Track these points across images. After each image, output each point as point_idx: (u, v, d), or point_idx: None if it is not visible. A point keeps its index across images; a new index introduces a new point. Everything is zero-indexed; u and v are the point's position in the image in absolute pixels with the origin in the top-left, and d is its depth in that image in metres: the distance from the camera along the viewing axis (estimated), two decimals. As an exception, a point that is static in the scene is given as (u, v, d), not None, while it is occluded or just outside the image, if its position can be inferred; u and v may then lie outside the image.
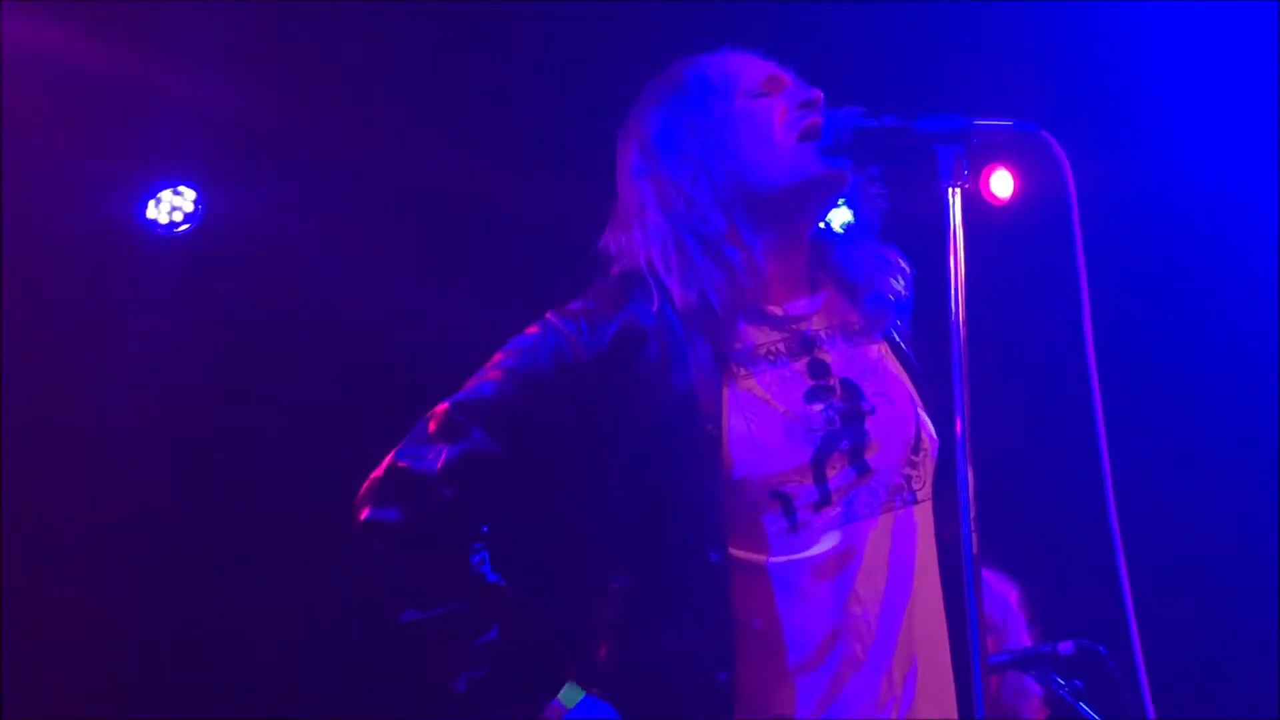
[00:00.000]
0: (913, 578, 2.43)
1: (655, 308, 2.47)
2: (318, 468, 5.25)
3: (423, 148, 5.34)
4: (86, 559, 5.15)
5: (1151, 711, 2.28)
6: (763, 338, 2.49)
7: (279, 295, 5.32)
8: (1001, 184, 5.80)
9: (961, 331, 2.23)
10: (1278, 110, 5.56)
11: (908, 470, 2.47)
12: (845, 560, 2.40)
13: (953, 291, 2.24)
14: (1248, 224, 5.79)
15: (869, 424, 2.46)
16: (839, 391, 2.48)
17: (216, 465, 5.32)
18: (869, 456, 2.44)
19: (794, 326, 2.52)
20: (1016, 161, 5.75)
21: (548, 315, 2.50)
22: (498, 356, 2.50)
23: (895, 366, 2.59)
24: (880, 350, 2.59)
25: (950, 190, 2.28)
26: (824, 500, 2.40)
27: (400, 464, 2.45)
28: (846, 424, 2.44)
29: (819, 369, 2.50)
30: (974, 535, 2.17)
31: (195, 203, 5.26)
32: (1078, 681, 3.91)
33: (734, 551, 2.37)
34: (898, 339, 2.63)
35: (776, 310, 2.53)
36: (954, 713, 2.45)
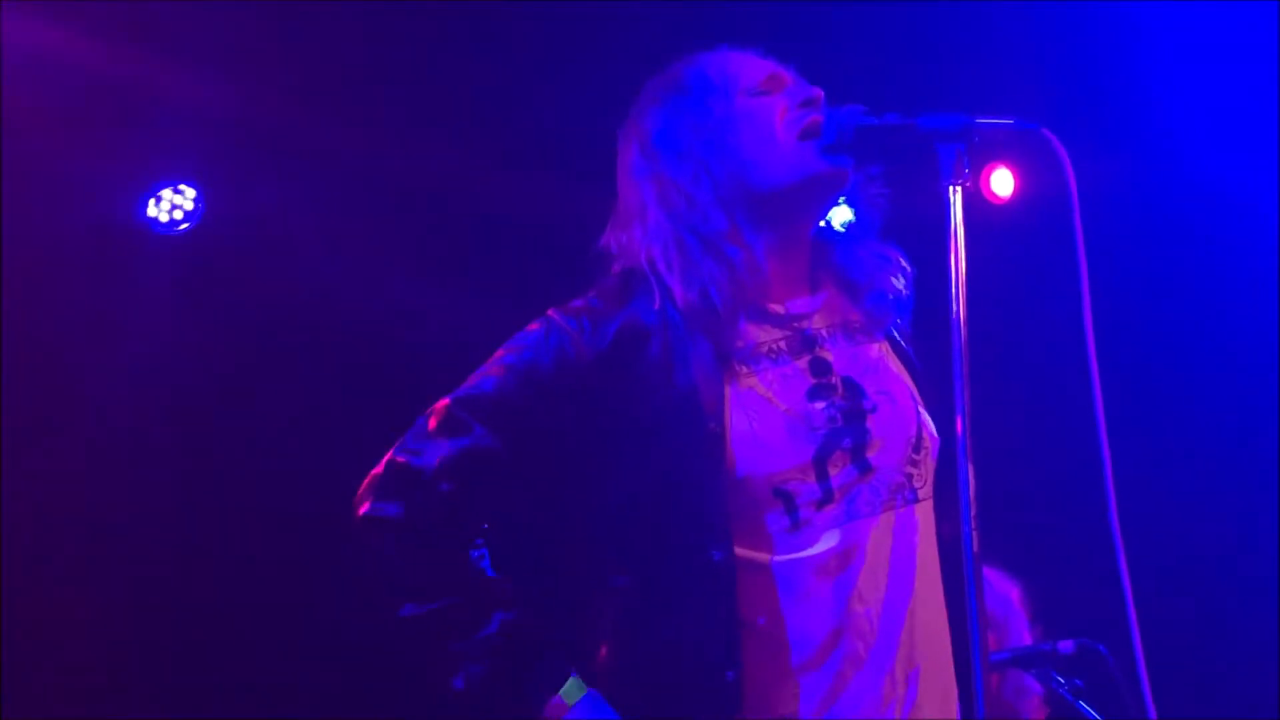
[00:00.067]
0: (914, 576, 2.43)
1: (657, 306, 2.47)
2: (317, 467, 5.25)
3: (423, 147, 5.35)
4: (86, 559, 5.15)
5: (1152, 710, 2.27)
6: (764, 336, 2.49)
7: (279, 294, 5.32)
8: (1002, 182, 5.80)
9: (962, 330, 2.23)
10: (1278, 110, 5.56)
11: (909, 469, 2.47)
12: (847, 559, 2.39)
13: (953, 290, 2.24)
14: (1248, 223, 5.79)
15: (870, 422, 2.46)
16: (840, 390, 2.48)
17: (216, 465, 5.32)
18: (871, 455, 2.44)
19: (795, 325, 2.52)
20: (1017, 160, 5.75)
21: (550, 312, 2.50)
22: (499, 353, 2.50)
23: (896, 365, 2.59)
24: (881, 349, 2.59)
25: (951, 188, 2.28)
26: (826, 498, 2.40)
27: (399, 459, 2.45)
28: (848, 422, 2.44)
29: (820, 367, 2.50)
30: (975, 534, 2.17)
31: (195, 202, 5.26)
32: (1078, 680, 3.91)
33: (737, 550, 2.37)
34: (898, 338, 2.63)
35: (778, 308, 2.53)
36: (956, 711, 2.45)
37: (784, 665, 2.37)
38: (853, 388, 2.49)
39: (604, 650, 2.48)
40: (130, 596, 5.18)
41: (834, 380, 2.49)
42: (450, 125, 5.37)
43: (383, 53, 5.27)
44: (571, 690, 2.37)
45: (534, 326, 2.49)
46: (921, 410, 2.53)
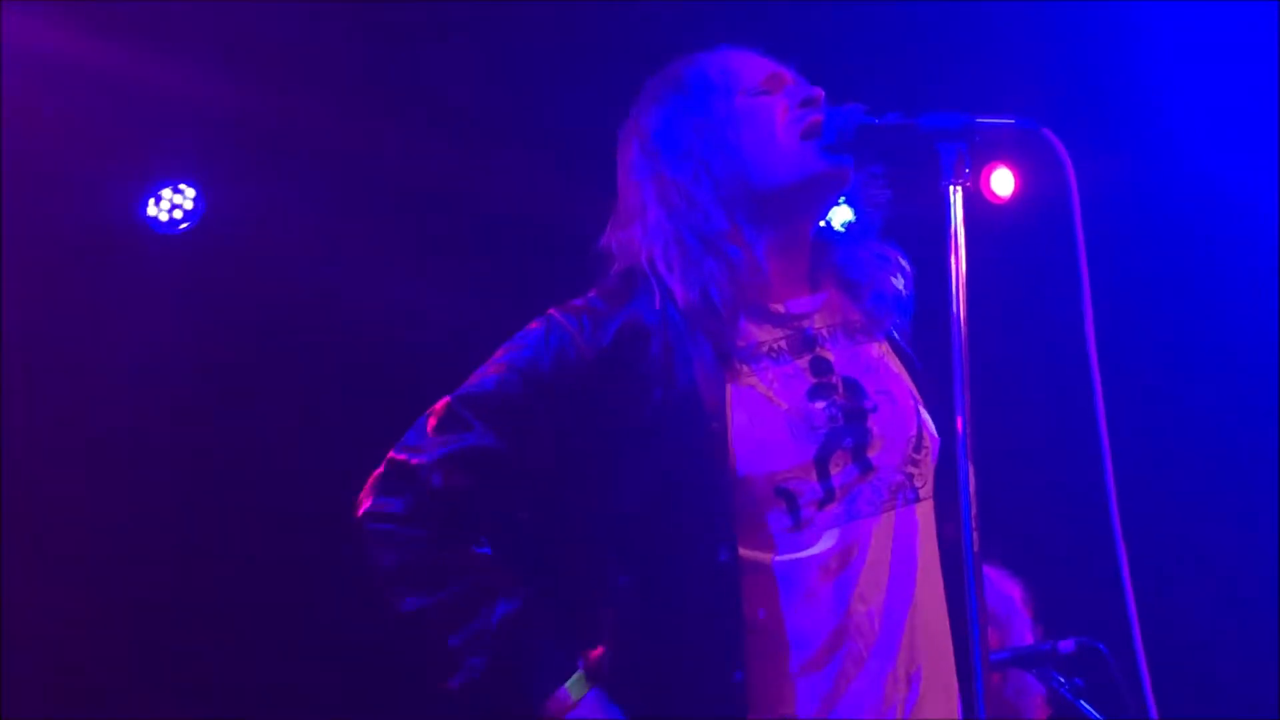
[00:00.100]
0: (915, 576, 2.43)
1: (657, 306, 2.46)
2: (317, 466, 5.25)
3: (423, 147, 5.35)
4: (86, 559, 5.15)
5: (1153, 710, 2.27)
6: (764, 335, 2.49)
7: (279, 294, 5.32)
8: (1003, 182, 5.80)
9: (963, 329, 2.23)
10: (1278, 110, 5.56)
11: (909, 468, 2.47)
12: (849, 558, 2.39)
13: (954, 289, 2.24)
14: (1248, 223, 5.79)
15: (871, 422, 2.46)
16: (841, 389, 2.48)
17: (216, 464, 5.32)
18: (871, 454, 2.44)
19: (796, 324, 2.52)
20: (1018, 160, 5.76)
21: (550, 311, 2.50)
22: (500, 352, 2.49)
23: (896, 365, 2.59)
24: (881, 349, 2.59)
25: (952, 188, 2.28)
26: (828, 498, 2.40)
27: (399, 457, 2.45)
28: (849, 421, 2.44)
29: (821, 366, 2.49)
30: (975, 533, 2.17)
31: (195, 201, 5.26)
32: (1078, 679, 3.91)
33: (740, 549, 2.36)
34: (898, 338, 2.63)
35: (778, 308, 2.52)
36: (958, 711, 2.45)
37: (786, 665, 2.36)
38: (853, 387, 2.49)
39: (607, 650, 2.47)
40: (130, 596, 5.18)
41: (834, 380, 2.49)
42: (450, 125, 5.38)
43: (383, 52, 5.27)
44: (577, 684, 2.36)
45: (535, 325, 2.49)
46: (921, 410, 2.53)
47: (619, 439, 2.43)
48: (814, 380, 2.47)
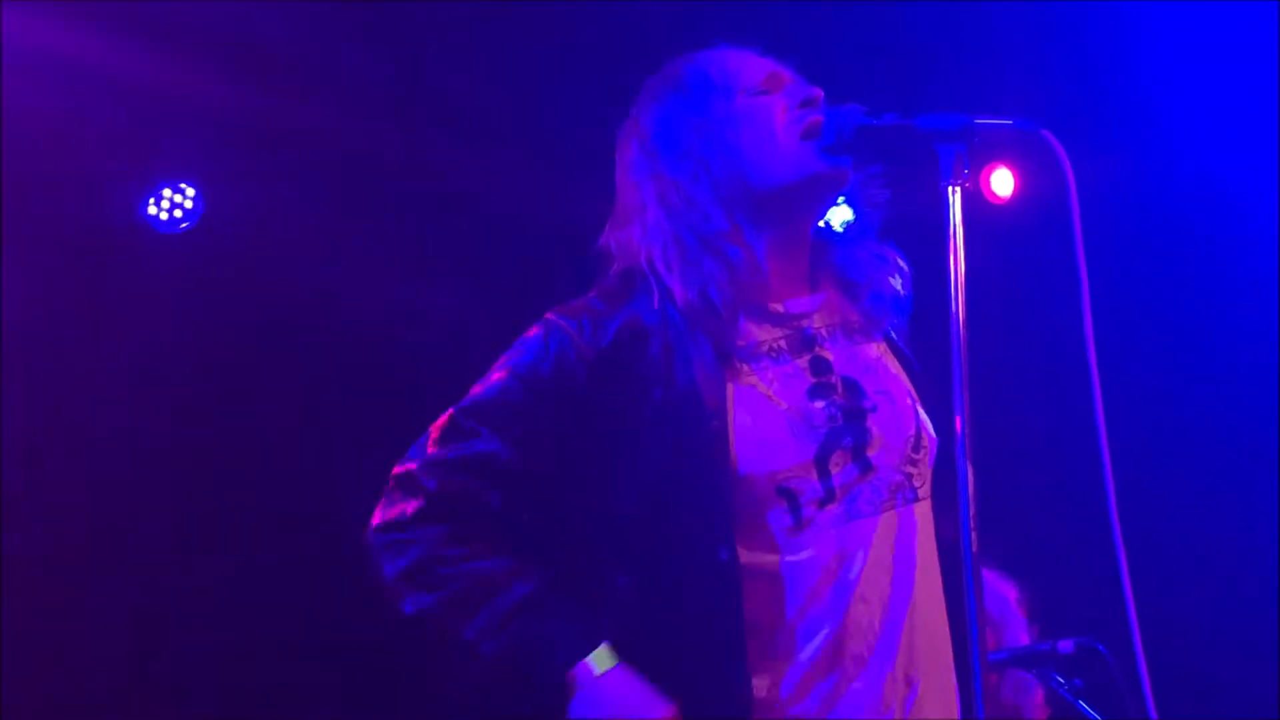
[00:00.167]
0: (914, 576, 2.43)
1: (656, 305, 2.47)
2: (317, 466, 5.26)
3: (423, 146, 5.35)
4: (86, 559, 5.15)
5: (1152, 710, 2.28)
6: (764, 335, 2.49)
7: (279, 293, 5.33)
8: (1002, 183, 5.80)
9: (962, 330, 2.23)
10: (1278, 110, 5.56)
11: (908, 468, 2.47)
12: (849, 558, 2.39)
13: (953, 290, 2.24)
14: (1248, 224, 5.79)
15: (870, 421, 2.46)
16: (840, 389, 2.48)
17: (216, 464, 5.32)
18: (871, 454, 2.44)
19: (795, 324, 2.52)
20: (1017, 160, 5.76)
21: (548, 315, 2.50)
22: (501, 360, 2.49)
23: (894, 365, 2.59)
24: (879, 349, 2.59)
25: (951, 189, 2.28)
26: (828, 497, 2.40)
27: (403, 468, 2.45)
28: (848, 421, 2.44)
29: (820, 366, 2.50)
30: (974, 534, 2.17)
31: (195, 201, 5.26)
32: (1077, 680, 3.90)
33: (740, 549, 2.36)
34: (896, 338, 2.64)
35: (777, 307, 2.52)
36: (957, 711, 2.45)
37: (786, 666, 2.36)
38: (852, 387, 2.49)
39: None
40: (130, 596, 5.18)
41: (834, 379, 2.49)
42: (450, 125, 5.38)
43: (383, 52, 5.27)
44: (602, 657, 2.34)
45: (533, 331, 2.49)
46: (920, 410, 2.53)
47: (619, 439, 2.43)
48: (813, 380, 2.47)
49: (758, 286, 2.51)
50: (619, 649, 2.41)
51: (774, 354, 2.48)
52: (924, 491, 2.49)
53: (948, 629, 2.48)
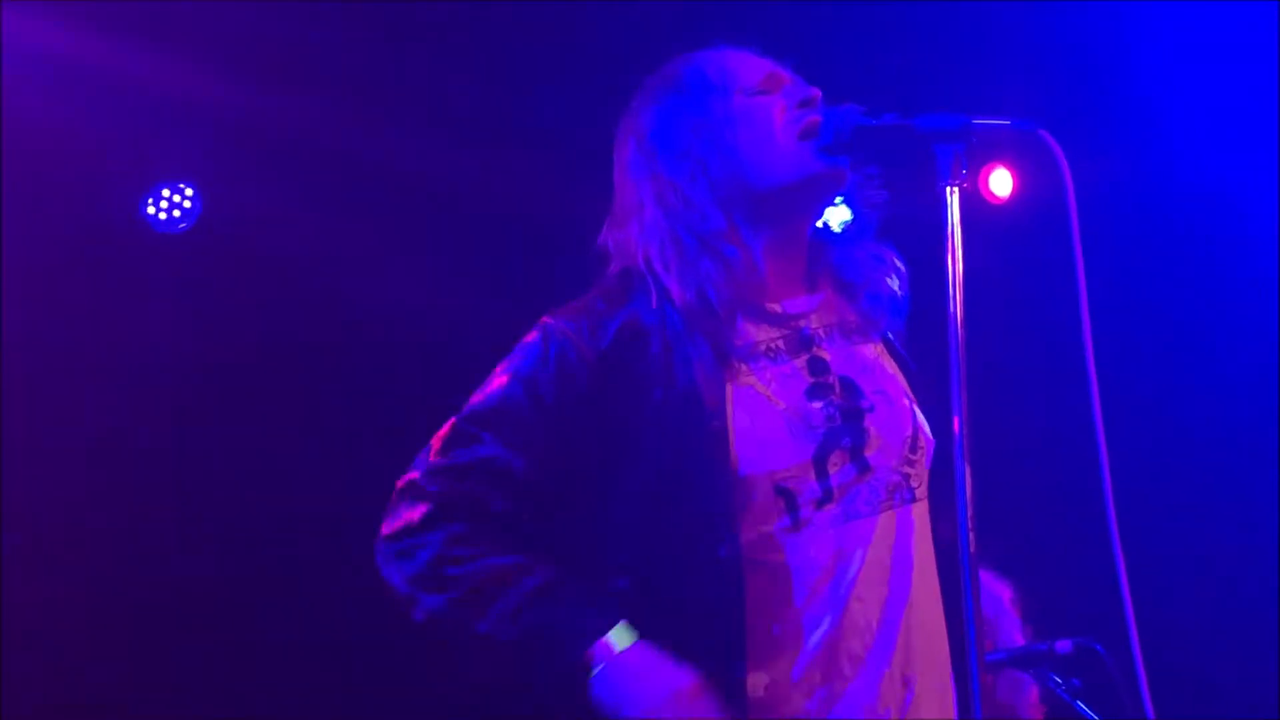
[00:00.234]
0: (911, 577, 2.43)
1: (654, 305, 2.47)
2: (317, 466, 5.26)
3: (423, 146, 5.35)
4: (86, 559, 5.15)
5: (1150, 710, 2.28)
6: (761, 335, 2.49)
7: (278, 293, 5.33)
8: (1001, 183, 5.81)
9: (960, 330, 2.23)
10: (1278, 110, 5.56)
11: (906, 469, 2.47)
12: (847, 558, 2.39)
13: (951, 290, 2.25)
14: (1247, 224, 5.79)
15: (868, 421, 2.46)
16: (838, 389, 2.48)
17: (216, 464, 5.32)
18: (869, 454, 2.44)
19: (792, 324, 2.53)
20: (1015, 160, 5.76)
21: (544, 320, 2.49)
22: (500, 367, 2.49)
23: (891, 366, 2.59)
24: (876, 350, 2.59)
25: (949, 189, 2.28)
26: (826, 497, 2.40)
27: (408, 477, 2.45)
28: (846, 421, 2.44)
29: (818, 366, 2.50)
30: (971, 534, 2.17)
31: (194, 201, 5.27)
32: (1075, 680, 3.91)
33: (739, 548, 2.36)
34: (892, 339, 2.64)
35: (775, 308, 2.53)
36: (953, 711, 2.45)
37: (785, 665, 2.36)
38: (850, 387, 2.49)
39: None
40: (130, 596, 5.18)
41: (831, 379, 2.49)
42: (450, 124, 5.38)
43: (383, 52, 5.27)
44: (621, 635, 2.32)
45: (532, 335, 2.48)
46: (917, 411, 2.54)
47: (620, 440, 2.43)
48: (811, 380, 2.47)
49: (755, 286, 2.51)
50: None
51: (772, 354, 2.48)
52: (921, 492, 2.49)
53: (944, 629, 2.48)
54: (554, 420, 2.43)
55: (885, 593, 2.40)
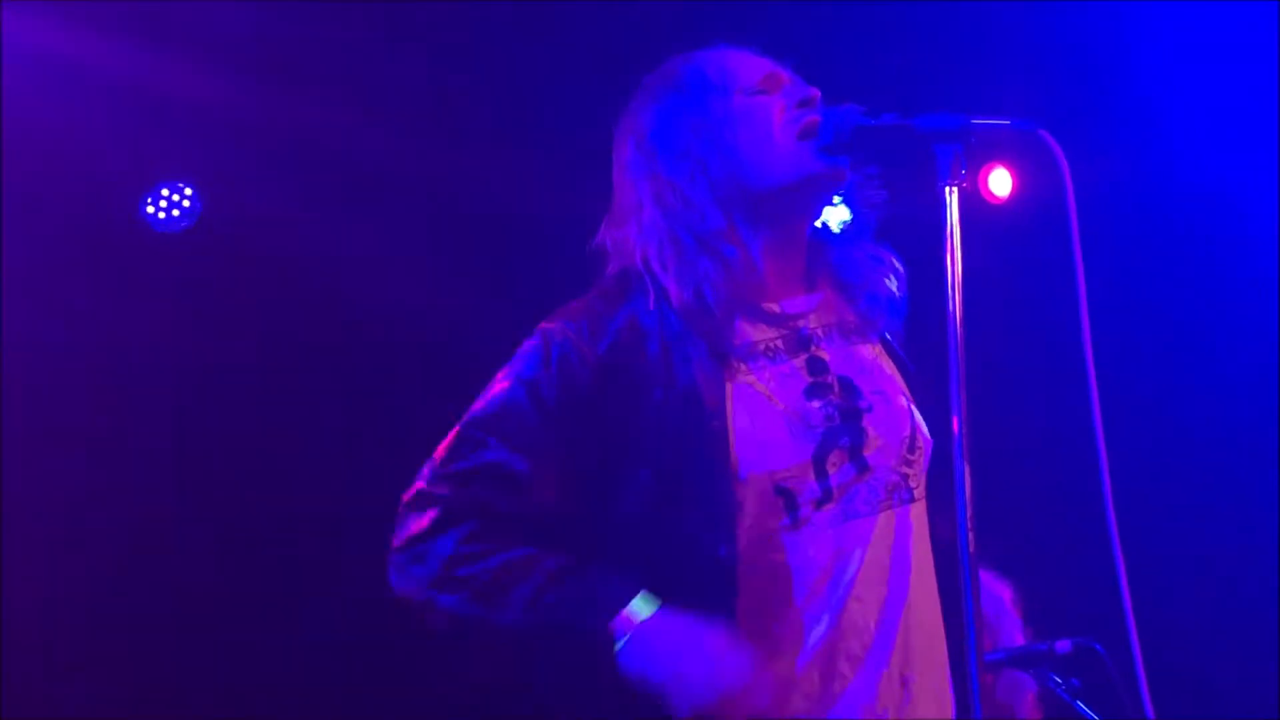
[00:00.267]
0: (909, 577, 2.44)
1: (652, 306, 2.46)
2: (317, 466, 5.26)
3: (423, 146, 5.35)
4: (86, 559, 5.15)
5: (1150, 710, 2.28)
6: (760, 335, 2.50)
7: (278, 293, 5.33)
8: (1000, 183, 5.81)
9: (959, 330, 2.23)
10: (1278, 110, 5.56)
11: (904, 469, 2.47)
12: (846, 558, 2.40)
13: (950, 290, 2.25)
14: (1247, 224, 5.80)
15: (867, 421, 2.46)
16: (837, 389, 2.48)
17: (215, 463, 5.32)
18: (868, 454, 2.44)
19: (791, 324, 2.53)
20: (1015, 160, 5.76)
21: (542, 325, 2.48)
22: (502, 373, 2.48)
23: (889, 367, 2.60)
24: (874, 350, 2.60)
25: (948, 189, 2.28)
26: (826, 497, 2.40)
27: (415, 487, 2.44)
28: (845, 421, 2.44)
29: (817, 366, 2.50)
30: (971, 534, 2.17)
31: (194, 201, 5.27)
32: (1075, 680, 3.91)
33: (739, 548, 2.36)
34: (890, 340, 2.64)
35: (773, 308, 2.53)
36: (951, 711, 2.45)
37: (783, 665, 2.36)
38: (849, 387, 2.49)
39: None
40: (130, 597, 5.18)
41: (830, 379, 2.49)
42: (450, 124, 5.38)
43: (383, 51, 5.27)
44: (642, 604, 2.30)
45: (533, 340, 2.48)
46: (915, 412, 2.54)
47: (621, 440, 2.42)
48: (810, 379, 2.48)
49: (753, 286, 2.51)
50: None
51: (770, 354, 2.48)
52: (919, 493, 2.50)
53: (942, 630, 2.49)
54: (557, 422, 2.43)
55: (884, 593, 2.41)
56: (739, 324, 2.48)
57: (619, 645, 2.28)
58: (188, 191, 5.27)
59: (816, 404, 2.44)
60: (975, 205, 5.60)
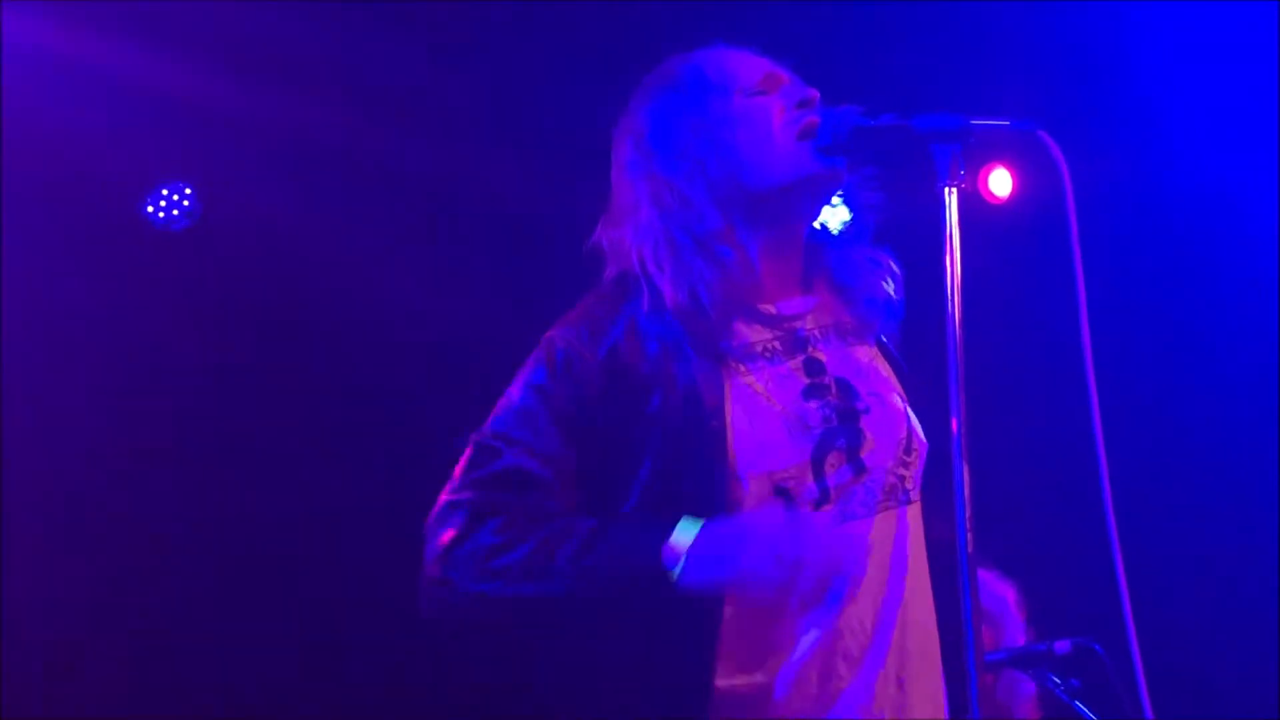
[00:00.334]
0: (906, 578, 2.44)
1: (649, 307, 2.46)
2: (318, 466, 5.26)
3: (423, 146, 5.35)
4: (87, 559, 5.15)
5: (1149, 711, 2.28)
6: (757, 336, 2.50)
7: (278, 293, 5.32)
8: (1000, 183, 5.81)
9: (958, 331, 2.23)
10: (1278, 110, 5.56)
11: (901, 470, 2.48)
12: (844, 559, 2.40)
13: (949, 291, 2.25)
14: (1247, 224, 5.80)
15: (864, 423, 2.46)
16: (834, 390, 2.48)
17: (215, 463, 5.32)
18: (865, 455, 2.44)
19: (788, 325, 2.53)
20: (1015, 161, 5.76)
21: (547, 335, 2.49)
22: (512, 385, 2.48)
23: (885, 369, 2.60)
24: (871, 352, 2.60)
25: (948, 189, 2.28)
26: (824, 498, 2.40)
27: (437, 506, 2.44)
28: (843, 422, 2.45)
29: (814, 367, 2.50)
30: (970, 535, 2.17)
31: (194, 200, 5.27)
32: (1074, 680, 3.91)
33: None
34: (886, 342, 2.64)
35: (770, 309, 2.53)
36: (945, 713, 2.46)
37: (780, 665, 2.37)
38: (846, 388, 2.49)
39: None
40: (130, 597, 5.18)
41: (828, 380, 2.49)
42: (449, 123, 5.38)
43: (382, 51, 5.27)
44: (684, 530, 2.29)
45: (537, 352, 2.48)
46: (910, 414, 2.54)
47: (623, 441, 2.42)
48: (807, 381, 2.48)
49: (750, 287, 2.51)
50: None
51: (768, 355, 2.49)
52: (916, 494, 2.50)
53: (936, 632, 2.49)
54: (568, 427, 2.43)
55: (881, 594, 2.41)
56: (736, 325, 2.48)
57: (676, 573, 2.26)
58: (188, 191, 5.27)
59: (814, 405, 2.45)
60: (975, 206, 5.60)
